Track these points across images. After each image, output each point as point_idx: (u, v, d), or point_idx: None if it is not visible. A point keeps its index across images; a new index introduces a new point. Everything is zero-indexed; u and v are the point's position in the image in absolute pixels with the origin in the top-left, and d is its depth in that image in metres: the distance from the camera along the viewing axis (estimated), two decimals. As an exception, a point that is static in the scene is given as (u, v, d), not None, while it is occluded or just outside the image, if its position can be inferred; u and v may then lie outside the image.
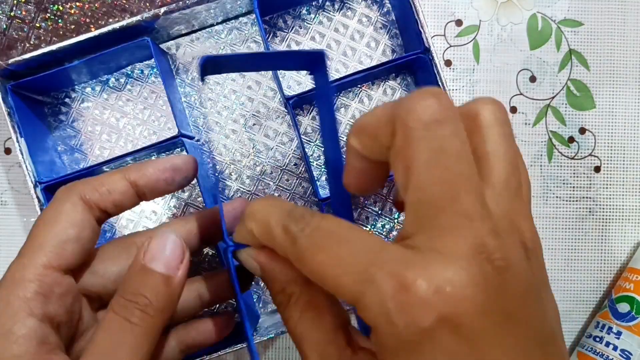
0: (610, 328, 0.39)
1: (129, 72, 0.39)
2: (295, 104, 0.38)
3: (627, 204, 0.42)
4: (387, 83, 0.40)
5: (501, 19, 0.41)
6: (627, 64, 0.41)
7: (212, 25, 0.39)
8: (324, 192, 0.39)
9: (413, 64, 0.38)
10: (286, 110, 0.39)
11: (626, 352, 0.38)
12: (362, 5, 0.40)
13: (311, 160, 0.40)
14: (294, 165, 0.39)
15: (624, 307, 0.39)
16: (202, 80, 0.35)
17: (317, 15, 0.40)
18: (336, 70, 0.40)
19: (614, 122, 0.42)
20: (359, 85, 0.40)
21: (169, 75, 0.38)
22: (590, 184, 0.42)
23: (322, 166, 0.40)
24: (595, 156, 0.42)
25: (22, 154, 0.35)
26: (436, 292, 0.17)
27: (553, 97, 0.41)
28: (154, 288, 0.24)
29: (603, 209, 0.42)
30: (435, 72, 0.35)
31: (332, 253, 0.19)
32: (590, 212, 0.42)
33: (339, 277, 0.19)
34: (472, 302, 0.18)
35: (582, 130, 0.42)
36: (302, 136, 0.39)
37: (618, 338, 0.38)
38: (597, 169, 0.42)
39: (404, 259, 0.18)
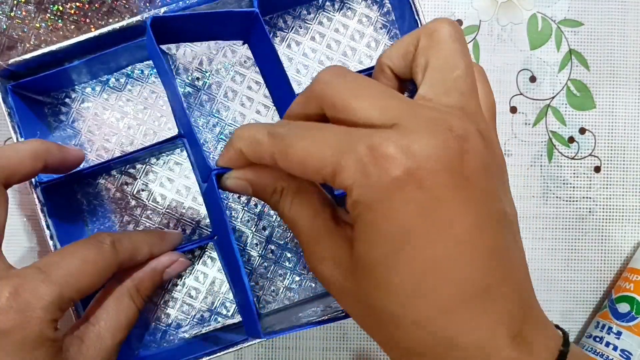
0: (610, 328, 0.39)
1: (129, 72, 0.39)
2: None
3: (627, 204, 0.42)
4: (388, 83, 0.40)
5: (501, 19, 0.41)
6: (627, 64, 0.41)
7: None
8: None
9: None
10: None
11: (626, 352, 0.38)
12: (362, 5, 0.40)
13: None
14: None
15: (624, 307, 0.39)
16: (158, 46, 0.35)
17: (317, 15, 0.40)
18: (336, 70, 0.40)
19: (614, 122, 0.42)
20: None
21: (169, 75, 0.38)
22: (590, 184, 0.42)
23: None
24: (595, 156, 0.42)
25: None
26: (403, 151, 0.21)
27: (553, 97, 0.41)
28: None
29: (603, 209, 0.42)
30: None
31: (313, 137, 0.23)
32: (590, 212, 0.42)
33: (321, 154, 0.22)
34: (435, 161, 0.21)
35: (582, 130, 0.42)
36: None
37: (618, 338, 0.38)
38: (597, 169, 0.42)
39: (375, 131, 0.21)
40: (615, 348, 0.38)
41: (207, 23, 0.36)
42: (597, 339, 0.39)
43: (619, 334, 0.38)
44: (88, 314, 0.31)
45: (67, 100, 0.39)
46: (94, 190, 0.39)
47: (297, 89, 0.40)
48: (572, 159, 0.42)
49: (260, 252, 0.40)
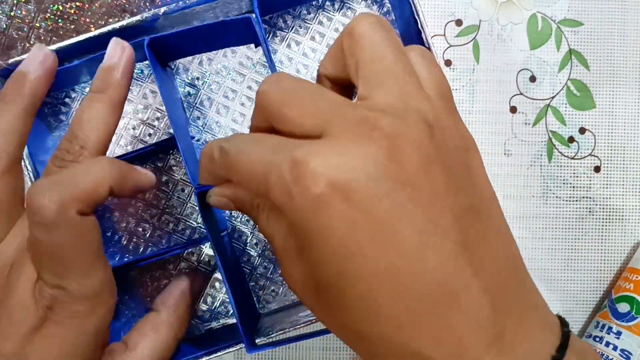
0: (610, 328, 0.39)
1: None
2: None
3: (627, 204, 0.42)
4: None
5: (501, 18, 0.41)
6: (627, 64, 0.41)
7: None
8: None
9: None
10: None
11: (626, 352, 0.38)
12: (362, 5, 0.40)
13: None
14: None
15: (623, 307, 0.39)
16: (162, 66, 0.35)
17: (317, 15, 0.40)
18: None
19: (614, 122, 0.42)
20: None
21: (169, 75, 0.38)
22: (590, 184, 0.42)
23: None
24: (595, 156, 0.42)
25: (22, 155, 0.35)
26: (324, 164, 0.19)
27: (553, 97, 0.41)
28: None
29: (603, 208, 0.42)
30: None
31: (250, 152, 0.22)
32: (590, 212, 0.42)
33: (254, 170, 0.21)
34: (361, 170, 0.19)
35: (582, 130, 0.42)
36: None
37: (618, 338, 0.38)
38: (597, 169, 0.42)
39: (300, 143, 0.20)
40: (615, 348, 0.38)
41: (205, 35, 0.36)
42: (597, 339, 0.39)
43: (618, 333, 0.38)
44: (126, 340, 0.31)
45: (67, 100, 0.39)
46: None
47: None
48: (572, 158, 0.42)
49: (260, 252, 0.40)
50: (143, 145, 0.39)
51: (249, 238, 0.40)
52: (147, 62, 0.39)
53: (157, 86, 0.38)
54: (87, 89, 0.39)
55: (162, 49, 0.35)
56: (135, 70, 0.39)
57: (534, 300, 0.22)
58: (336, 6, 0.40)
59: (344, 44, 0.23)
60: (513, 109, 0.41)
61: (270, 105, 0.22)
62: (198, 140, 0.39)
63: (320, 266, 0.21)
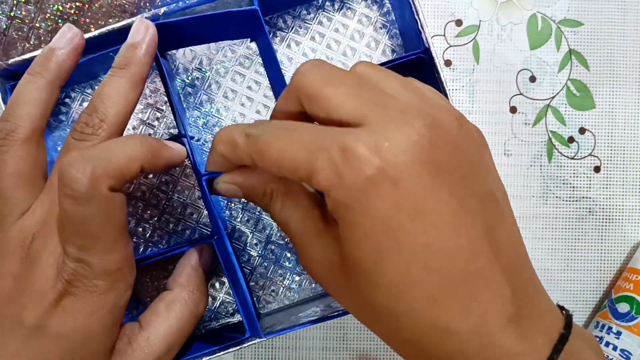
0: (610, 328, 0.39)
1: None
2: None
3: (627, 204, 0.42)
4: (387, 83, 0.40)
5: (501, 19, 0.41)
6: (627, 64, 0.41)
7: None
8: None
9: (413, 64, 0.38)
10: None
11: (626, 352, 0.38)
12: (362, 5, 0.40)
13: None
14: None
15: (623, 307, 0.39)
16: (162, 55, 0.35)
17: (317, 15, 0.40)
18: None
19: (614, 122, 0.42)
20: None
21: (169, 75, 0.38)
22: (590, 184, 0.42)
23: None
24: (595, 156, 0.42)
25: None
26: (374, 150, 0.21)
27: (553, 97, 0.41)
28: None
29: (603, 209, 0.42)
30: (435, 72, 0.35)
31: (288, 138, 0.23)
32: (590, 212, 0.42)
33: (295, 155, 0.22)
34: (405, 156, 0.21)
35: (582, 130, 0.42)
36: None
37: (618, 338, 0.38)
38: (597, 169, 0.42)
39: (346, 130, 0.22)
40: (615, 348, 0.38)
41: (209, 25, 0.36)
42: (597, 339, 0.39)
43: (618, 333, 0.38)
44: (140, 319, 0.32)
45: (67, 100, 0.39)
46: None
47: None
48: (572, 158, 0.42)
49: (260, 252, 0.40)
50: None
51: (249, 238, 0.40)
52: None
53: (159, 79, 0.38)
54: (87, 89, 0.39)
55: (163, 36, 0.35)
56: None
57: (539, 285, 0.24)
58: (336, 6, 0.40)
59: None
60: (513, 109, 0.41)
61: (310, 85, 0.23)
62: (198, 140, 0.39)
63: (359, 243, 0.22)
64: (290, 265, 0.40)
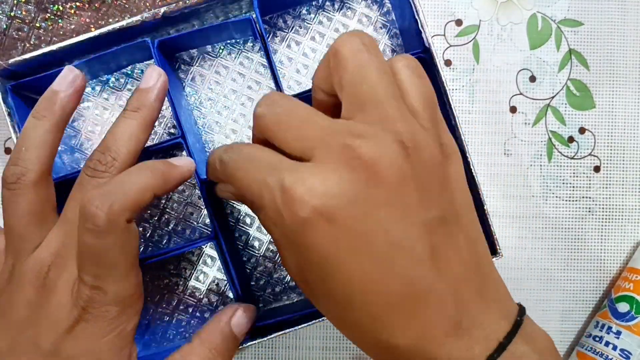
0: (609, 328, 0.39)
1: (129, 72, 0.39)
2: None
3: (627, 203, 0.42)
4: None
5: (501, 18, 0.41)
6: (627, 64, 0.41)
7: (211, 25, 0.39)
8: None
9: None
10: None
11: (626, 352, 0.38)
12: (362, 5, 0.40)
13: None
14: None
15: (623, 307, 0.39)
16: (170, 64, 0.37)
17: (317, 15, 0.40)
18: (336, 70, 0.40)
19: (614, 122, 0.42)
20: None
21: (170, 76, 0.38)
22: (590, 184, 0.42)
23: None
24: (595, 156, 0.42)
25: None
26: (310, 192, 0.22)
27: (553, 97, 0.41)
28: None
29: (603, 208, 0.42)
30: (435, 72, 0.35)
31: (246, 170, 0.25)
32: (590, 211, 0.42)
33: (249, 187, 0.25)
34: (341, 197, 0.22)
35: (582, 130, 0.42)
36: None
37: (618, 338, 0.38)
38: (597, 169, 0.42)
39: (293, 167, 0.24)
40: (614, 347, 0.38)
41: (208, 34, 0.37)
42: (597, 339, 0.39)
43: (618, 333, 0.38)
44: None
45: None
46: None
47: (297, 88, 0.40)
48: (572, 158, 0.42)
49: (260, 252, 0.40)
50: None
51: (250, 238, 0.40)
52: (147, 62, 0.39)
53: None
54: (87, 89, 0.39)
55: (168, 48, 0.37)
56: (136, 70, 0.39)
57: (495, 293, 0.25)
58: (336, 6, 0.40)
59: (331, 63, 0.26)
60: (513, 109, 0.41)
61: (265, 127, 0.26)
62: (198, 142, 0.39)
63: (303, 269, 0.25)
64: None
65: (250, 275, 0.39)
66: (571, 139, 0.42)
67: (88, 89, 0.39)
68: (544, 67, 0.41)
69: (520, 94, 0.41)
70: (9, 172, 0.29)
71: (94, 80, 0.39)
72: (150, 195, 0.28)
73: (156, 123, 0.39)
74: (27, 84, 0.36)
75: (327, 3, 0.40)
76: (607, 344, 0.38)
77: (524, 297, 0.42)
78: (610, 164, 0.42)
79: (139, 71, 0.39)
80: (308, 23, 0.40)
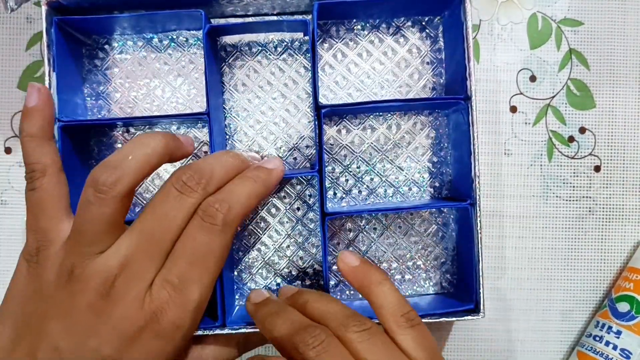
0: (610, 327, 0.39)
1: (174, 37, 0.39)
2: (325, 114, 0.38)
3: (627, 203, 0.42)
4: (418, 117, 0.40)
5: (501, 18, 0.41)
6: (627, 64, 0.42)
7: (266, 14, 0.40)
8: (331, 207, 0.39)
9: (450, 105, 0.38)
10: (314, 116, 0.38)
11: (626, 351, 0.38)
12: (416, 37, 0.40)
13: (326, 173, 0.39)
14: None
15: (623, 307, 0.39)
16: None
17: (370, 33, 0.40)
18: (373, 92, 0.40)
19: (614, 122, 0.42)
20: (392, 113, 0.40)
21: (213, 52, 0.38)
22: (590, 184, 0.42)
23: (335, 181, 0.40)
24: (595, 156, 0.42)
25: (50, 89, 0.35)
26: None
27: (553, 97, 0.42)
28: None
29: (603, 208, 0.42)
30: (470, 120, 0.35)
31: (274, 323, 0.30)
32: (590, 211, 0.42)
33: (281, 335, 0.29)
34: None
35: (582, 130, 0.42)
36: (324, 147, 0.38)
37: (618, 337, 0.38)
38: (597, 169, 0.42)
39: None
40: (615, 347, 0.38)
41: (260, 27, 0.37)
42: (597, 338, 0.39)
43: (618, 333, 0.38)
44: None
45: (106, 46, 0.39)
46: (107, 140, 0.39)
47: (331, 98, 0.40)
48: (572, 158, 0.42)
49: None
50: (167, 113, 0.39)
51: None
52: (194, 32, 0.39)
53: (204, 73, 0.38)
54: (129, 42, 0.39)
55: (217, 33, 0.38)
56: (181, 37, 0.39)
57: None
58: (391, 30, 0.40)
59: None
60: (513, 109, 0.42)
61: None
62: (226, 126, 0.40)
63: None
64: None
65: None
66: (571, 139, 0.42)
67: (130, 42, 0.39)
68: (544, 66, 0.41)
69: (521, 93, 0.42)
70: (103, 175, 0.29)
71: (138, 36, 0.39)
72: (257, 202, 0.31)
73: (186, 93, 0.40)
74: (73, 22, 0.36)
75: (383, 25, 0.40)
76: (607, 343, 0.38)
77: (524, 297, 0.41)
78: (611, 164, 0.42)
79: (184, 39, 0.39)
80: (359, 38, 0.40)
